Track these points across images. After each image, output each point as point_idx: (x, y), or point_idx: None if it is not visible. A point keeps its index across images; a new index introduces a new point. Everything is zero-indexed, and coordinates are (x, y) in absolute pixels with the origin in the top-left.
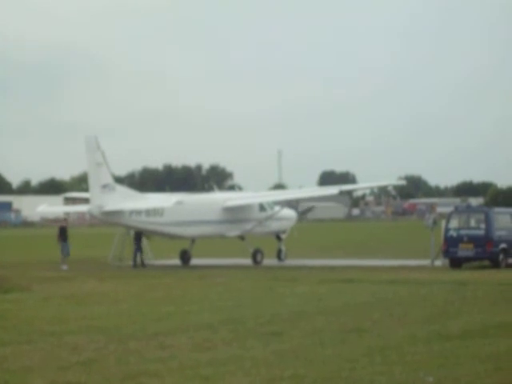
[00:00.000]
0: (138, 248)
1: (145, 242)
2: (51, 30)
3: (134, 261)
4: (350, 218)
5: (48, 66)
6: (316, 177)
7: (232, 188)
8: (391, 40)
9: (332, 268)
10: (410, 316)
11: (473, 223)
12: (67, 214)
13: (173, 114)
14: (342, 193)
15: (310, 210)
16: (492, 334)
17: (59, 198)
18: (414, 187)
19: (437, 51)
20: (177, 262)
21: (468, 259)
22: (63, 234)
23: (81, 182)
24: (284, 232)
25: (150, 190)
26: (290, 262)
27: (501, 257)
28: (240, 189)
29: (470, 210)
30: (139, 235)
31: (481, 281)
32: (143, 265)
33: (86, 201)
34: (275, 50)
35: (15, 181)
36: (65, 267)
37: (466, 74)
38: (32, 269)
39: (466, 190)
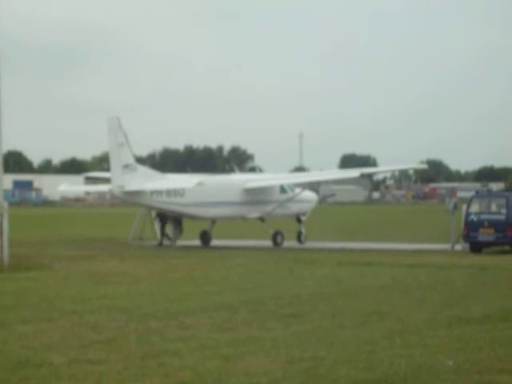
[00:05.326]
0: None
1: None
2: (76, 11)
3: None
4: (370, 201)
5: (71, 45)
6: (337, 160)
7: (253, 170)
8: (403, 16)
9: (352, 251)
10: (429, 300)
11: (494, 208)
12: (88, 193)
13: (194, 95)
14: (362, 176)
15: (331, 195)
16: None
17: (80, 178)
18: (434, 171)
19: (452, 25)
20: (197, 243)
21: (488, 244)
22: None
23: (102, 162)
24: (304, 214)
25: (171, 171)
26: (310, 244)
27: None
28: (261, 171)
29: (490, 194)
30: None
31: (501, 266)
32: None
33: (106, 181)
34: (296, 30)
35: (36, 160)
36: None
37: (489, 56)
38: (53, 247)
39: (486, 174)
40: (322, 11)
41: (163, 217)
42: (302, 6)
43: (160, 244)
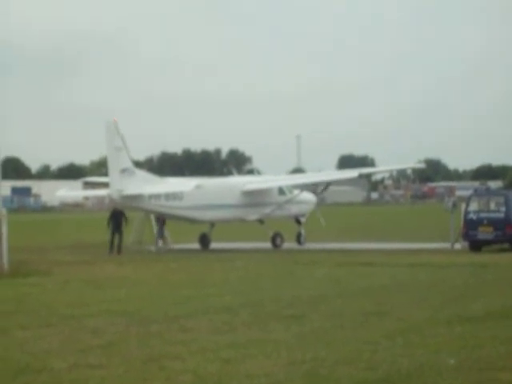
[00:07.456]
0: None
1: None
2: (71, 16)
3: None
4: (368, 201)
5: (67, 51)
6: (335, 161)
7: (251, 172)
8: (404, 17)
9: (351, 251)
10: (430, 299)
11: (492, 206)
12: (86, 198)
13: (192, 99)
14: (360, 176)
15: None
16: None
17: (78, 183)
18: (432, 171)
19: (451, 26)
20: (196, 246)
21: (488, 242)
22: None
23: (100, 167)
24: (303, 216)
25: (169, 175)
26: (309, 245)
27: None
28: (259, 173)
29: (489, 193)
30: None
31: (500, 263)
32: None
33: (105, 185)
34: (291, 32)
35: (34, 166)
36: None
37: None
38: (52, 253)
39: (484, 173)
40: (322, 11)
41: (116, 222)
42: (300, 6)
43: (111, 251)
